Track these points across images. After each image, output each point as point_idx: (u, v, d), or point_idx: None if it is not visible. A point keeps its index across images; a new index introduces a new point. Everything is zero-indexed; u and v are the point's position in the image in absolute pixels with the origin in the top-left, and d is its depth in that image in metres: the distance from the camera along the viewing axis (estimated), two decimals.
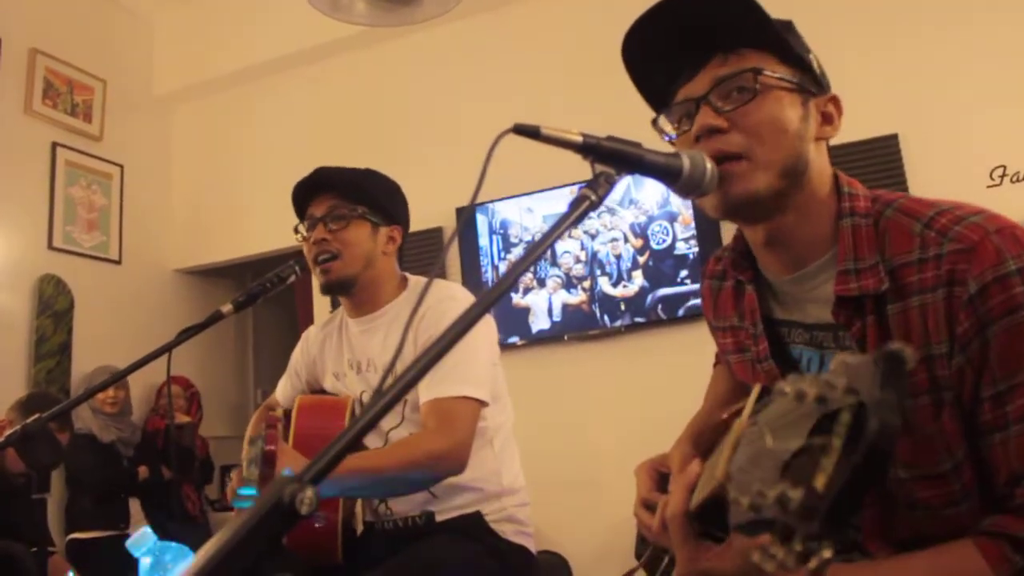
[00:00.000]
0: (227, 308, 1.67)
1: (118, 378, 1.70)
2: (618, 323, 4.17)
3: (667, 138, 1.09)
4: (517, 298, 4.35)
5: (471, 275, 4.43)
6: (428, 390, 1.78)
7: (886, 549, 0.99)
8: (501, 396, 1.99)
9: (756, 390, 1.07)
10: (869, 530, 1.01)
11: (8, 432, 1.43)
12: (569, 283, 4.28)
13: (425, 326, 1.84)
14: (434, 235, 4.55)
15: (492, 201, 4.42)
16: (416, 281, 2.05)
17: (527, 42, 4.60)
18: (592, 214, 4.32)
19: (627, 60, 1.10)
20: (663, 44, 1.05)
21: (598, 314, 4.21)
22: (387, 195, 2.02)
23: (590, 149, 0.85)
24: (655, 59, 1.07)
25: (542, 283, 4.33)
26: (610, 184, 0.85)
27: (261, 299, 1.72)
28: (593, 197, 0.83)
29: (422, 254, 4.48)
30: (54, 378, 4.45)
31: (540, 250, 0.78)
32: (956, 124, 3.72)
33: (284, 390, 2.16)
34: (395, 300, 1.99)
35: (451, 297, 1.89)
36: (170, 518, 4.50)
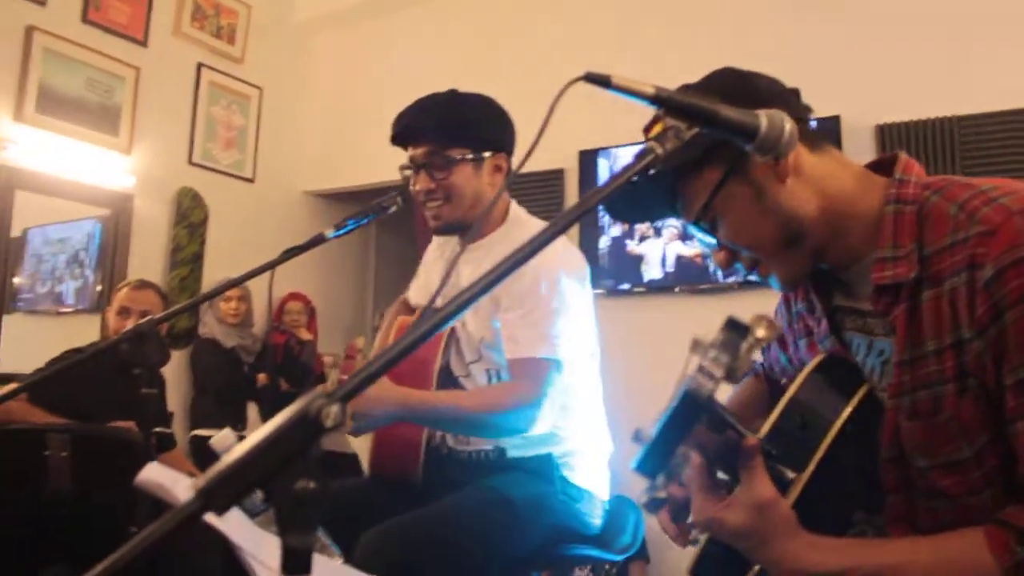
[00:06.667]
0: (329, 232, 1.73)
1: (226, 288, 1.84)
2: (731, 279, 4.08)
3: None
4: (632, 245, 4.31)
5: (588, 219, 4.36)
6: (516, 347, 1.79)
7: (910, 536, 0.97)
8: (579, 358, 1.91)
9: (817, 359, 1.07)
10: (892, 516, 1.00)
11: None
12: (685, 235, 4.19)
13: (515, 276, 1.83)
14: (556, 176, 4.52)
15: (615, 147, 4.33)
16: (517, 213, 2.01)
17: None
18: None
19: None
20: None
21: (711, 268, 4.14)
22: (483, 126, 1.92)
23: (662, 101, 0.83)
24: None
25: (658, 232, 4.27)
26: (679, 139, 0.83)
27: (361, 226, 1.77)
28: (659, 151, 0.81)
29: (542, 196, 4.47)
30: (187, 285, 4.73)
31: (591, 204, 0.78)
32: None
33: (414, 288, 2.24)
34: (496, 232, 1.97)
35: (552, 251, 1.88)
36: None
